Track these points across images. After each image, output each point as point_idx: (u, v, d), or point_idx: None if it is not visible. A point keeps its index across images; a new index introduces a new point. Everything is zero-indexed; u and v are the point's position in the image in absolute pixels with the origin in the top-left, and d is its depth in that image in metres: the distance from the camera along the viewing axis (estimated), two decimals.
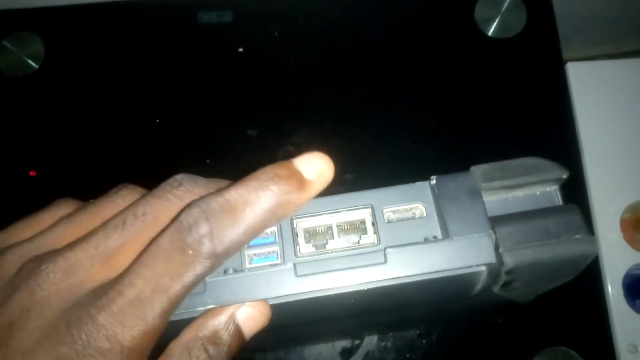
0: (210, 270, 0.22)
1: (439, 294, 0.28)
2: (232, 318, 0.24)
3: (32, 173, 0.55)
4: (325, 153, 0.23)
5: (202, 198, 0.22)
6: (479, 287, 0.27)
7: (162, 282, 0.21)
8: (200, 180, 0.23)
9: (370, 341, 0.52)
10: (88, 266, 0.21)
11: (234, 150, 0.55)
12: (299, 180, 0.23)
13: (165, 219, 0.22)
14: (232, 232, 0.21)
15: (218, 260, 0.22)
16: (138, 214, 0.22)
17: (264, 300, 0.24)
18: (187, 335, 0.23)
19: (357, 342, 0.51)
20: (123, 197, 0.25)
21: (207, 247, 0.21)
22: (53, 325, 0.20)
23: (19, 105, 0.58)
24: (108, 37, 0.60)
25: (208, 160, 0.55)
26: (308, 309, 0.27)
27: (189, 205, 0.22)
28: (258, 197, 0.22)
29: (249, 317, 0.24)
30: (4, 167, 0.55)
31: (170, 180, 0.23)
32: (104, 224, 0.22)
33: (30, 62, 0.58)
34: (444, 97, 0.57)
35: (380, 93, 0.57)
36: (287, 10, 0.60)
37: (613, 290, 0.53)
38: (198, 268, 0.21)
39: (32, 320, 0.21)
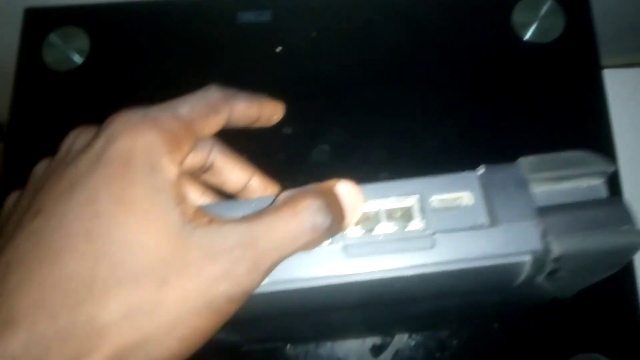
0: None
1: (482, 283, 0.28)
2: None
3: None
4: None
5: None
6: (522, 277, 0.27)
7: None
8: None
9: (401, 339, 0.52)
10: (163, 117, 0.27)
11: (270, 148, 0.56)
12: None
13: (201, 105, 0.29)
14: None
15: None
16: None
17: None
18: None
19: (387, 339, 0.52)
20: None
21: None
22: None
23: (63, 99, 0.60)
24: (151, 34, 0.62)
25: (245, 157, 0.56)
26: (352, 293, 0.28)
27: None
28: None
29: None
30: None
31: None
32: None
33: (75, 56, 0.60)
34: (480, 102, 0.57)
35: (417, 95, 0.58)
36: (325, 11, 0.61)
37: None
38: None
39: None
